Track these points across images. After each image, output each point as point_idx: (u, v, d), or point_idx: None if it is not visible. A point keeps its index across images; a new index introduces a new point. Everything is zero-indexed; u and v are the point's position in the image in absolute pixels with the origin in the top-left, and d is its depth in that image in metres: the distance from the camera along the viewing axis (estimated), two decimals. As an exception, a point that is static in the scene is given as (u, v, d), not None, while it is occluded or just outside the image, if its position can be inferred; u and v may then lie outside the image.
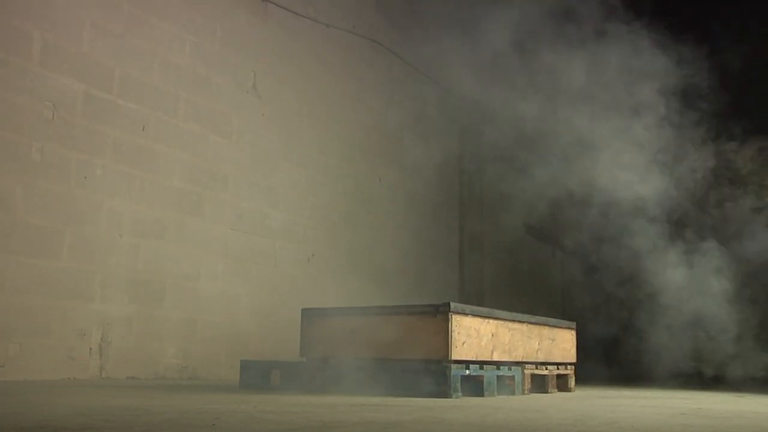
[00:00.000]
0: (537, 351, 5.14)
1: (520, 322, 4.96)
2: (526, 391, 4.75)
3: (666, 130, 7.07)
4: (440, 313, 4.18)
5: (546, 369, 5.16)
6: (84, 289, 5.03)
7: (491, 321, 4.62)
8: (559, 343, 5.49)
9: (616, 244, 7.89)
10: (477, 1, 7.64)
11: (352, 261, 7.50)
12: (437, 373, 4.03)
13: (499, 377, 4.46)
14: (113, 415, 2.56)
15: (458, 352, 4.20)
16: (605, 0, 6.58)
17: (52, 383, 4.44)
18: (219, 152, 6.14)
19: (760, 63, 9.43)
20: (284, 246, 6.72)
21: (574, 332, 5.79)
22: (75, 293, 4.97)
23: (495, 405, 3.57)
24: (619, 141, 6.87)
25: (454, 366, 4.06)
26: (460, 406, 3.45)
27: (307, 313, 4.71)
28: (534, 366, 5.01)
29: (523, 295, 10.20)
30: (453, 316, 4.18)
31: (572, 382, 5.52)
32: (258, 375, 4.65)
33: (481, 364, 4.36)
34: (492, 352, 4.57)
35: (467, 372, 4.18)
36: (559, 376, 5.35)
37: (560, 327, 5.61)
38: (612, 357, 10.28)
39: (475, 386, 4.27)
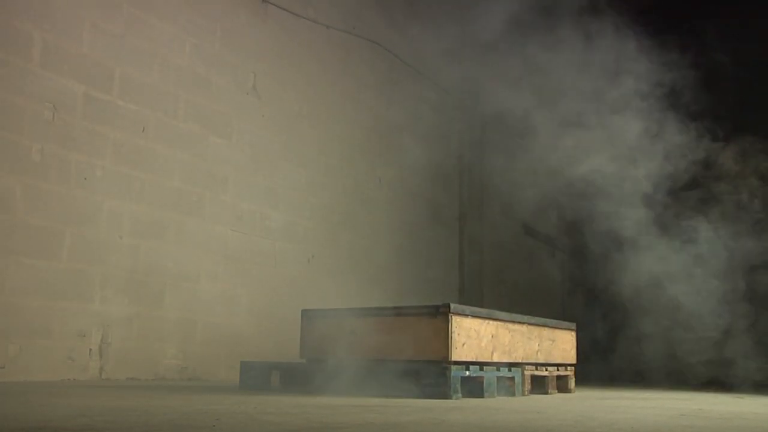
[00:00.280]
0: (537, 352, 5.13)
1: (520, 323, 4.96)
2: (526, 392, 4.75)
3: (666, 130, 7.07)
4: (440, 314, 4.18)
5: (546, 370, 5.15)
6: (84, 289, 5.03)
7: (491, 322, 4.61)
8: (558, 344, 5.49)
9: (616, 243, 7.89)
10: (477, 1, 7.64)
11: (352, 261, 7.50)
12: (437, 374, 4.03)
13: (499, 378, 4.46)
14: (113, 415, 2.56)
15: (458, 353, 4.19)
16: None
17: (51, 384, 4.43)
18: (219, 153, 6.14)
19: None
20: (284, 247, 6.72)
21: (573, 333, 5.79)
22: (75, 294, 4.97)
23: (495, 406, 3.58)
24: (620, 139, 6.88)
25: (454, 367, 4.06)
26: (459, 407, 3.45)
27: (307, 314, 4.71)
28: (534, 367, 5.01)
29: (522, 296, 10.20)
30: (453, 317, 4.17)
31: (572, 383, 5.51)
32: (258, 376, 4.64)
33: (481, 365, 4.35)
34: (492, 353, 4.57)
35: (467, 373, 4.18)
36: (559, 377, 5.35)
37: (560, 328, 5.61)
38: (612, 358, 10.28)
39: (475, 387, 4.26)
